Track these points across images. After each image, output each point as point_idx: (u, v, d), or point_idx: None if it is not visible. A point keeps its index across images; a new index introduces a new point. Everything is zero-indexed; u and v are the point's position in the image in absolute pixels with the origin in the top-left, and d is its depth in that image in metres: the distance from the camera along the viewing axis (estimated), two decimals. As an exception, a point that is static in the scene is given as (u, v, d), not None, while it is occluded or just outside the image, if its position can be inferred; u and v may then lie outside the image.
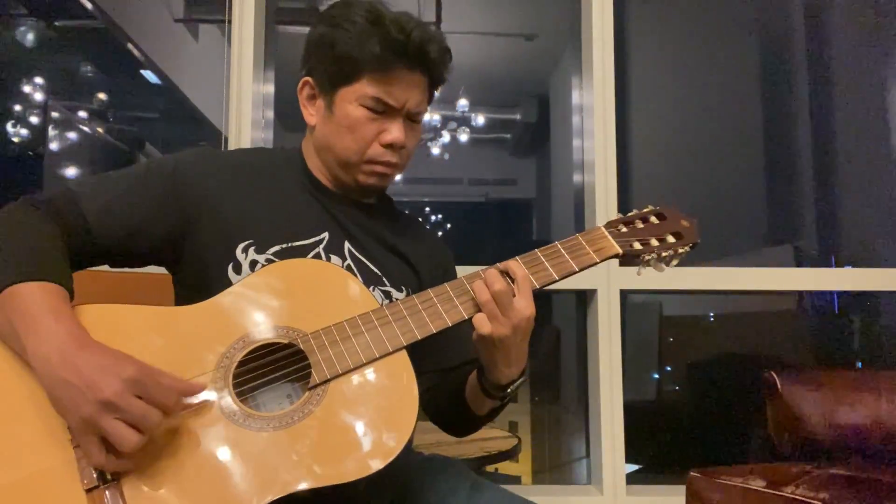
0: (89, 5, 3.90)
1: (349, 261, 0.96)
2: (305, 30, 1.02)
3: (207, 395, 0.77)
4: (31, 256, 0.77)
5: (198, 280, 0.91)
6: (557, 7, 3.87)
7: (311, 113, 0.99)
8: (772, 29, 3.14)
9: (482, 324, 0.84)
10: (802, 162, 2.97)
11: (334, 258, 0.95)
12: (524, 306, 0.84)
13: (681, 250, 0.94)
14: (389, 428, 0.76)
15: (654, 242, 0.93)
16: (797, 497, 1.18)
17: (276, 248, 0.93)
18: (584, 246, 0.91)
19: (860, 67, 2.81)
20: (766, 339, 2.84)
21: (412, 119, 0.98)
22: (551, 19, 4.21)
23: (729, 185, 3.02)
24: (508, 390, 0.91)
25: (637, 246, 0.93)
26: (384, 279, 0.98)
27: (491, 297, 0.83)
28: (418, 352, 0.89)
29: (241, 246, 0.91)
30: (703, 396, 2.94)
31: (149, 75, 4.58)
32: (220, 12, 1.92)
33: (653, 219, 0.96)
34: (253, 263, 0.91)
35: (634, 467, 2.21)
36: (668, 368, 3.02)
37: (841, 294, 2.75)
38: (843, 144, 2.85)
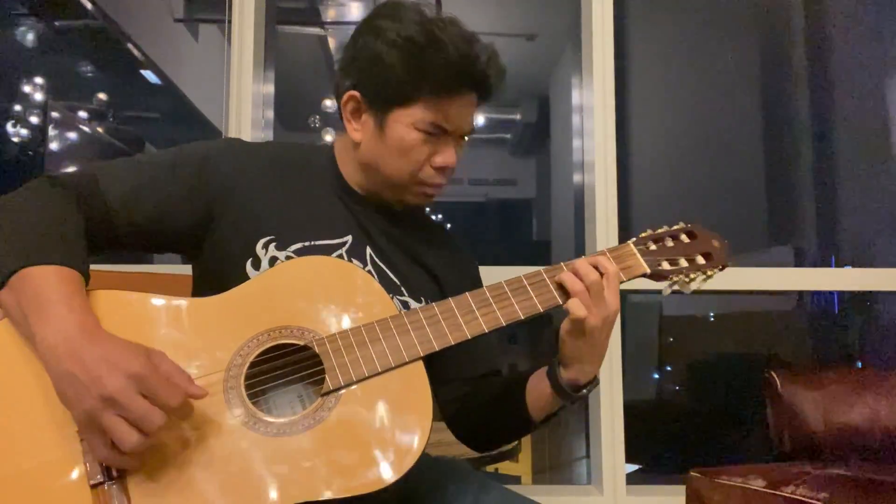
0: (89, 5, 3.91)
1: (369, 267, 0.94)
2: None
3: (219, 394, 0.75)
4: (48, 239, 0.76)
5: (215, 273, 0.90)
6: (557, 7, 3.87)
7: (357, 128, 0.94)
8: (772, 29, 3.14)
9: (577, 307, 0.82)
10: (802, 162, 2.97)
11: (355, 262, 0.93)
12: (613, 300, 0.84)
13: (710, 272, 0.91)
14: (402, 441, 0.75)
15: (683, 263, 0.90)
16: (797, 497, 1.18)
17: (298, 245, 0.91)
18: (614, 263, 0.88)
19: (860, 67, 2.81)
20: (766, 339, 2.85)
21: (461, 137, 0.96)
22: (551, 19, 4.21)
23: (729, 185, 3.02)
24: (585, 390, 0.88)
25: (665, 266, 0.90)
26: (403, 289, 0.96)
27: (585, 287, 0.83)
28: (444, 360, 0.86)
29: (262, 241, 0.89)
30: (703, 396, 2.95)
31: (149, 75, 4.59)
32: (220, 12, 1.92)
33: (683, 237, 0.93)
34: (273, 260, 0.89)
35: (634, 467, 2.21)
36: (668, 368, 3.02)
37: (841, 294, 2.75)
38: (843, 144, 2.85)
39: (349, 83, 0.93)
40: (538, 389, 0.91)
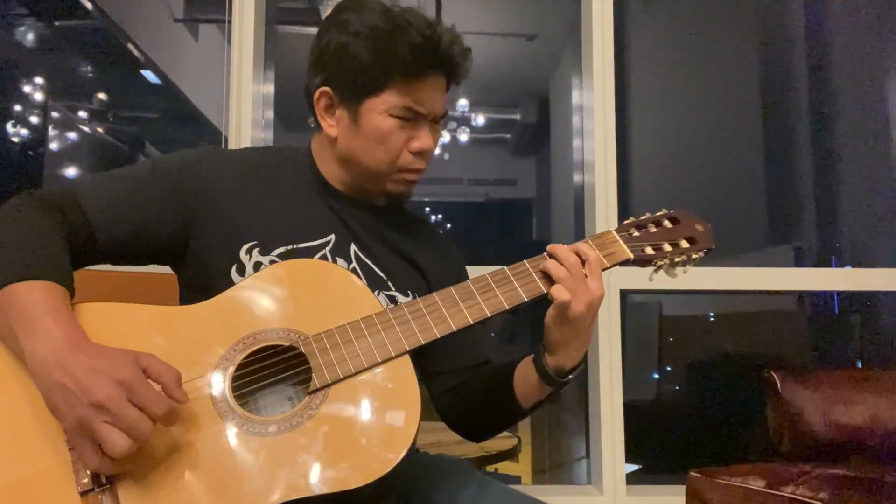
0: (89, 5, 3.91)
1: (355, 264, 0.95)
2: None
3: (206, 397, 0.76)
4: (33, 254, 0.76)
5: (201, 281, 0.90)
6: (557, 7, 3.87)
7: (331, 124, 0.95)
8: (772, 29, 3.14)
9: (560, 292, 0.83)
10: (802, 162, 2.97)
11: (340, 261, 0.94)
12: (596, 287, 0.85)
13: (694, 255, 0.92)
14: (391, 435, 0.75)
15: (667, 247, 0.91)
16: (797, 497, 1.18)
17: (281, 249, 0.91)
18: (595, 250, 0.89)
19: (860, 67, 2.81)
20: (766, 339, 2.84)
21: (435, 122, 0.97)
22: (551, 19, 4.21)
23: (729, 185, 3.02)
24: (571, 375, 0.89)
25: (649, 251, 0.91)
26: (389, 283, 0.97)
27: (567, 272, 0.84)
28: (433, 353, 0.86)
29: (246, 247, 0.90)
30: (703, 396, 2.95)
31: (149, 75, 4.59)
32: (220, 12, 1.92)
33: (666, 223, 0.94)
34: (257, 265, 0.89)
35: (634, 467, 2.21)
36: (668, 368, 3.02)
37: (841, 294, 2.75)
38: (843, 144, 2.85)
39: (319, 80, 0.94)
40: (525, 377, 0.92)
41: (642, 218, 0.95)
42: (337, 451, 0.74)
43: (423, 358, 0.99)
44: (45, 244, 0.79)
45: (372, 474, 0.72)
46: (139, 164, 0.94)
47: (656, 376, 2.98)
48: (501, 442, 1.87)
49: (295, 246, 0.92)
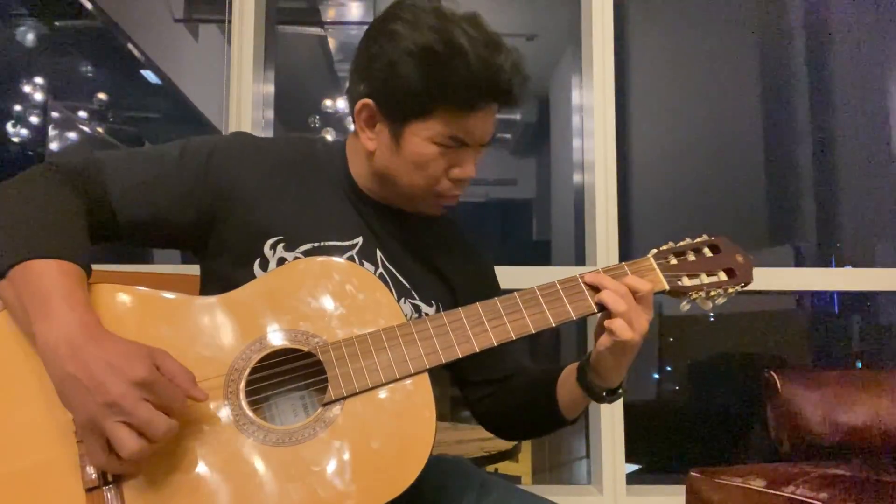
0: (89, 5, 3.91)
1: (381, 269, 0.92)
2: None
3: (219, 399, 0.74)
4: (51, 230, 0.74)
5: (223, 272, 0.88)
6: (557, 7, 3.87)
7: (371, 137, 0.90)
8: (772, 29, 3.14)
9: (624, 330, 0.80)
10: (802, 162, 2.97)
11: (367, 265, 0.91)
12: (650, 314, 0.83)
13: (731, 290, 0.88)
14: (402, 457, 0.73)
15: (705, 279, 0.87)
16: (797, 497, 1.18)
17: (307, 246, 0.89)
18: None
19: (860, 67, 2.81)
20: (766, 339, 2.84)
21: (481, 146, 0.92)
22: (551, 19, 4.20)
23: (729, 185, 3.02)
24: (620, 390, 0.88)
25: (686, 282, 0.87)
26: (414, 292, 0.94)
27: (628, 308, 0.81)
28: (467, 364, 0.84)
29: (271, 241, 0.88)
30: (703, 396, 2.95)
31: (149, 75, 4.58)
32: (220, 12, 1.92)
33: (706, 251, 0.89)
34: (281, 261, 0.87)
35: (634, 467, 2.20)
36: (668, 368, 3.02)
37: (841, 294, 2.75)
38: (843, 144, 2.85)
39: (363, 90, 0.88)
40: (571, 395, 0.91)
41: (681, 244, 0.90)
42: (347, 470, 0.72)
43: (454, 367, 0.95)
44: (63, 221, 0.76)
45: (381, 496, 0.70)
46: (170, 144, 0.91)
47: (656, 376, 2.98)
48: (501, 442, 1.87)
49: (322, 244, 0.89)
